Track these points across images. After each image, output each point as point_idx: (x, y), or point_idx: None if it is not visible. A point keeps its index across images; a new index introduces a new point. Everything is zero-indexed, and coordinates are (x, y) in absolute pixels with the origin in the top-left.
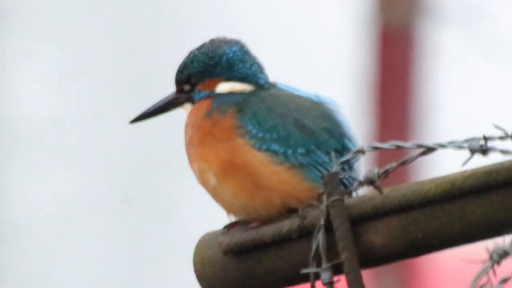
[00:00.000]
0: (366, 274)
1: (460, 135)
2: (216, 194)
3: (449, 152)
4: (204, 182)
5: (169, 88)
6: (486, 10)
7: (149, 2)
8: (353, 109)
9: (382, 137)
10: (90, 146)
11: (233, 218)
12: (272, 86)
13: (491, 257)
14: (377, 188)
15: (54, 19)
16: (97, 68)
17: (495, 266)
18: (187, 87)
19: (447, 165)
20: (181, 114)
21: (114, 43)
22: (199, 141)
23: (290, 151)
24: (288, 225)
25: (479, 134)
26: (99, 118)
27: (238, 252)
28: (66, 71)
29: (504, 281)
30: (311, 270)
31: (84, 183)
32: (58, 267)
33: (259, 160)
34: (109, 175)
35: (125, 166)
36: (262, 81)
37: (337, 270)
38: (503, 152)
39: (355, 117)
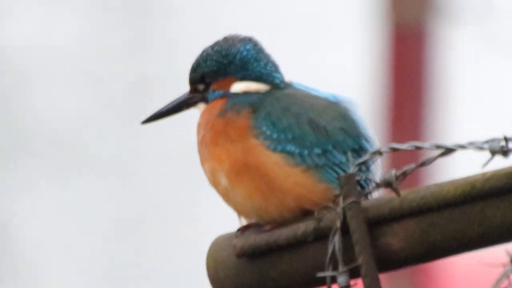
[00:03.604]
0: (382, 278)
1: (475, 135)
2: (227, 196)
3: (468, 153)
4: (215, 183)
5: None
6: (498, 7)
7: None
8: (366, 109)
9: (396, 138)
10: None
11: (243, 221)
12: (288, 85)
13: (511, 260)
14: (395, 190)
15: None
16: None
17: None
18: (201, 87)
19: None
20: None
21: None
22: (211, 140)
23: (306, 152)
24: (303, 227)
25: (498, 134)
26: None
27: (252, 255)
28: None
29: None
30: (328, 273)
31: None
32: None
33: (274, 161)
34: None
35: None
36: (277, 81)
37: (354, 273)
38: None
39: (369, 117)
